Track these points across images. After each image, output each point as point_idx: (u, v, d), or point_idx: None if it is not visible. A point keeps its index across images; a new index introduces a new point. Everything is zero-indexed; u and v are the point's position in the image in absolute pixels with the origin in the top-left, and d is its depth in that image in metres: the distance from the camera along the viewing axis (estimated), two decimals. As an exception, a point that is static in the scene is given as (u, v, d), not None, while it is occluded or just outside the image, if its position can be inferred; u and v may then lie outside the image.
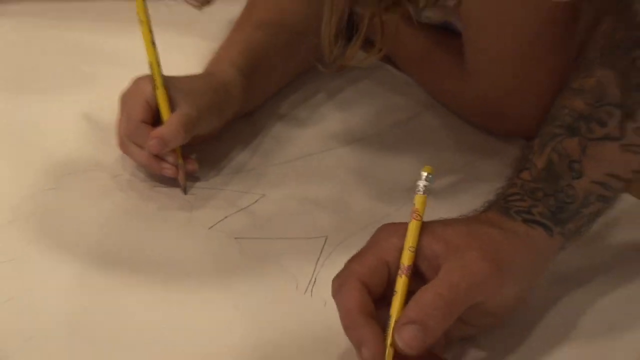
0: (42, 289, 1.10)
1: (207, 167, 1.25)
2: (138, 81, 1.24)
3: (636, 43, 1.06)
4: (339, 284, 0.98)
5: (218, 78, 1.27)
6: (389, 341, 0.94)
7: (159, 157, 1.21)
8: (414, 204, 0.98)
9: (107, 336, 1.05)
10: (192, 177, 1.23)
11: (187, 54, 1.32)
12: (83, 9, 1.46)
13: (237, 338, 1.05)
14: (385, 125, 1.34)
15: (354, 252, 1.02)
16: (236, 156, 1.28)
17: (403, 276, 0.97)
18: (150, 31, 1.23)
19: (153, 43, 1.23)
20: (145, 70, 1.22)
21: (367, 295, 0.97)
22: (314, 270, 1.13)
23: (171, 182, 1.22)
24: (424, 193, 0.98)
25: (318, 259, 1.15)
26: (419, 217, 0.98)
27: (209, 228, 1.19)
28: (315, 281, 1.12)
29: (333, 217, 1.20)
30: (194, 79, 1.26)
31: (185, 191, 1.23)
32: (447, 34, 1.36)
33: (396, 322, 0.94)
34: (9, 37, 1.47)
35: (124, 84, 1.23)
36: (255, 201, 1.23)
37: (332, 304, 1.00)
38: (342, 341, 0.98)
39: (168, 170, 1.22)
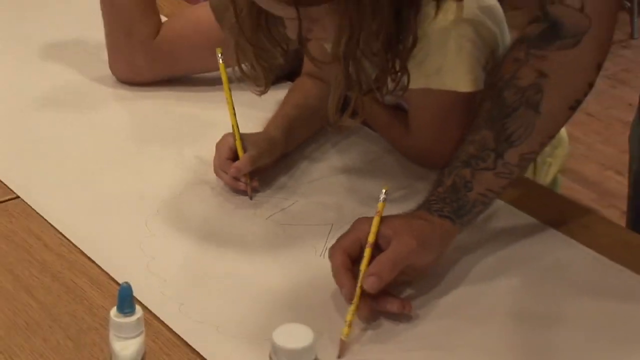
0: (171, 253, 1.12)
1: (264, 185, 1.24)
2: (225, 136, 1.25)
3: (505, 115, 1.07)
4: (332, 251, 1.03)
5: (270, 135, 1.27)
6: (359, 284, 0.98)
7: (236, 179, 1.22)
8: (378, 207, 1.02)
9: (208, 281, 1.09)
10: (255, 191, 1.23)
11: (253, 120, 1.31)
12: (195, 95, 1.44)
13: (279, 281, 1.08)
14: (363, 162, 1.32)
15: None
16: (280, 179, 1.27)
17: (368, 248, 1.00)
18: (233, 107, 1.24)
19: (234, 114, 1.24)
20: (229, 130, 1.24)
21: (348, 258, 1.01)
22: (325, 243, 1.14)
23: (243, 193, 1.22)
24: (383, 201, 1.02)
25: (328, 236, 1.16)
26: (379, 215, 1.02)
27: (266, 219, 1.19)
28: (325, 249, 1.11)
29: (336, 213, 1.21)
30: (257, 134, 1.26)
31: (251, 198, 1.22)
32: (399, 110, 1.33)
33: (364, 274, 0.98)
34: (151, 109, 1.43)
35: (218, 137, 1.25)
36: (292, 204, 1.22)
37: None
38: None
39: (242, 186, 1.22)
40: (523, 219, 1.19)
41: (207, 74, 1.47)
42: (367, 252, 1.00)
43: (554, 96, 1.07)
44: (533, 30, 1.09)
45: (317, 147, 1.35)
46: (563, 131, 1.41)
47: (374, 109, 1.32)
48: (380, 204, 1.02)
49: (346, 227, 1.12)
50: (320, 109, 1.30)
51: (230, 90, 1.25)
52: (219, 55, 1.25)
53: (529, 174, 1.37)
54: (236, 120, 1.24)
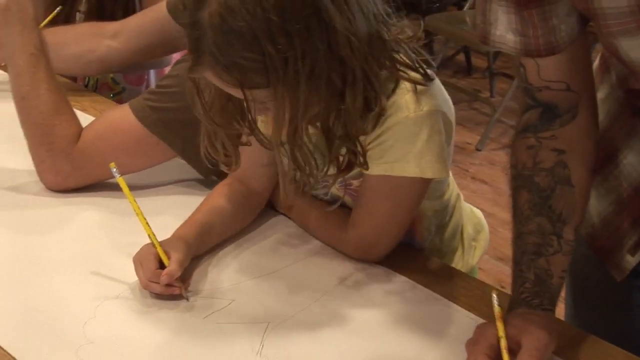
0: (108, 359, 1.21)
1: (199, 286, 1.33)
2: (145, 248, 1.33)
3: (547, 198, 1.19)
4: None
5: (183, 238, 1.36)
6: None
7: (169, 285, 1.29)
8: (495, 312, 1.14)
9: None
10: (189, 293, 1.31)
11: (165, 229, 1.37)
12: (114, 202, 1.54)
13: None
14: (295, 260, 1.41)
15: (284, 331, 1.20)
16: (215, 279, 1.35)
17: (505, 351, 1.11)
18: (143, 216, 1.33)
19: (147, 223, 1.33)
20: (147, 240, 1.34)
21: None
22: (262, 341, 1.22)
23: (178, 296, 1.30)
24: (498, 305, 1.15)
25: (264, 334, 1.24)
26: (501, 318, 1.14)
27: (204, 318, 1.27)
28: (262, 347, 1.21)
29: (272, 312, 1.28)
30: (172, 239, 1.35)
31: (187, 300, 1.30)
32: (331, 205, 1.41)
33: None
34: (80, 215, 1.51)
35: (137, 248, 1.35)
36: (229, 304, 1.30)
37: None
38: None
39: (176, 290, 1.30)
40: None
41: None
42: (506, 356, 1.11)
43: (577, 166, 1.21)
44: (531, 117, 1.22)
45: (249, 246, 1.45)
46: (483, 218, 1.60)
47: (306, 205, 1.45)
48: (497, 309, 1.13)
49: (283, 325, 1.26)
50: (239, 215, 1.45)
51: (135, 201, 1.35)
52: (114, 170, 1.36)
53: (457, 257, 1.53)
54: (151, 229, 1.33)
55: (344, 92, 1.21)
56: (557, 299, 1.20)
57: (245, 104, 1.21)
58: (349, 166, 1.30)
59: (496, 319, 1.12)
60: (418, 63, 1.30)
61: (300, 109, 1.19)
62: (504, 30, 1.18)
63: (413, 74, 1.29)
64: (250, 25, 1.13)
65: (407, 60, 1.30)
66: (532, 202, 1.20)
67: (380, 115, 1.28)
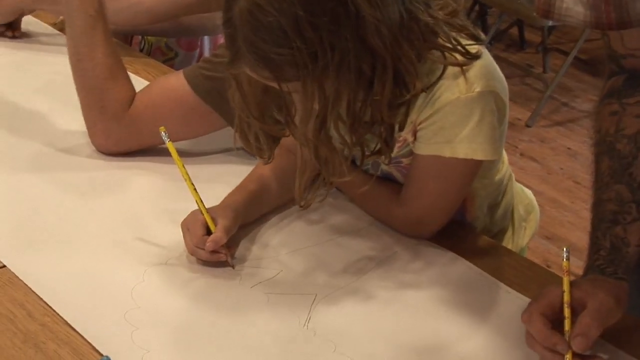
0: (155, 324, 1.21)
1: (245, 255, 1.34)
2: (192, 213, 1.35)
3: (627, 166, 1.18)
4: (527, 317, 1.13)
5: (232, 206, 1.37)
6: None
7: (215, 251, 1.30)
8: (563, 266, 1.12)
9: (192, 351, 1.17)
10: (234, 260, 1.33)
11: (214, 197, 1.38)
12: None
13: (264, 351, 1.17)
14: (345, 231, 1.42)
15: (331, 304, 1.21)
16: (262, 248, 1.36)
17: (567, 308, 1.11)
18: (192, 182, 1.34)
19: (195, 189, 1.34)
20: (194, 207, 1.34)
21: (546, 319, 1.11)
22: (309, 313, 1.23)
23: (224, 264, 1.31)
24: (567, 260, 1.13)
25: (311, 306, 1.25)
26: (568, 274, 1.12)
27: (251, 287, 1.29)
28: (309, 319, 1.22)
29: (320, 284, 1.29)
30: (220, 206, 1.36)
31: (233, 267, 1.32)
32: (386, 180, 1.43)
33: (570, 334, 1.09)
34: (134, 180, 1.54)
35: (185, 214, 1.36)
36: (277, 274, 1.31)
37: (320, 334, 1.17)
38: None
39: (222, 257, 1.31)
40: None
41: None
42: (567, 312, 1.11)
43: None
44: (616, 83, 1.21)
45: (297, 216, 1.45)
46: (534, 199, 1.59)
47: (356, 178, 1.43)
48: (565, 263, 1.13)
49: (330, 297, 1.27)
50: (288, 185, 1.42)
51: (184, 167, 1.36)
52: (163, 134, 1.37)
53: (507, 237, 1.53)
54: (199, 196, 1.35)
55: (373, 81, 1.21)
56: (632, 268, 1.18)
57: (284, 97, 1.22)
58: (378, 152, 1.30)
59: (563, 272, 1.12)
60: (456, 41, 1.28)
61: (330, 101, 1.20)
62: (572, 3, 1.15)
63: (456, 55, 1.28)
64: (278, 20, 1.14)
65: (445, 41, 1.27)
66: (613, 168, 1.19)
67: (411, 101, 1.27)
